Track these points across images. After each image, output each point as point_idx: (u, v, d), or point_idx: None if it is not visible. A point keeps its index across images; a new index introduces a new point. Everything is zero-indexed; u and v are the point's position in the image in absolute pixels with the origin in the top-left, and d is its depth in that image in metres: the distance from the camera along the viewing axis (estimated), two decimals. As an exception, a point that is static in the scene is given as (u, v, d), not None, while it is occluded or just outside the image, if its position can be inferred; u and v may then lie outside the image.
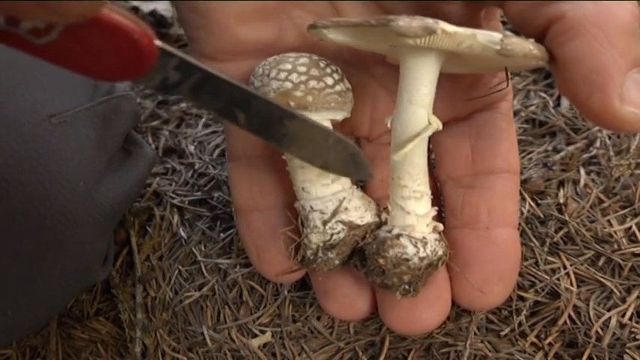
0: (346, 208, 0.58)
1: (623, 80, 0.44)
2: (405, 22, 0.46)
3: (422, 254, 0.54)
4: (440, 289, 0.59)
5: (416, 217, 0.56)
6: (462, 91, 0.60)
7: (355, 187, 0.60)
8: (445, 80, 0.55)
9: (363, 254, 0.57)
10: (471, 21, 0.56)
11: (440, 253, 0.56)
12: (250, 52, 0.60)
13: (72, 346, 0.72)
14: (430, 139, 0.57)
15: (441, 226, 0.58)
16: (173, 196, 0.83)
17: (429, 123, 0.53)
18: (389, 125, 0.55)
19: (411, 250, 0.54)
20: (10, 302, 0.60)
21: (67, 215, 0.58)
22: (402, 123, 0.54)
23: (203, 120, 0.93)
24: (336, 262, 0.58)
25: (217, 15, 0.57)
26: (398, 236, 0.55)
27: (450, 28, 0.47)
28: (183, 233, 0.78)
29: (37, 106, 0.58)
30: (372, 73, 0.62)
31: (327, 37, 0.53)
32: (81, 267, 0.64)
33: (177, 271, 0.74)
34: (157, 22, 1.09)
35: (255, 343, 0.67)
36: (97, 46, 0.39)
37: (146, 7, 1.09)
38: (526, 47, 0.47)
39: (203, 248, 0.76)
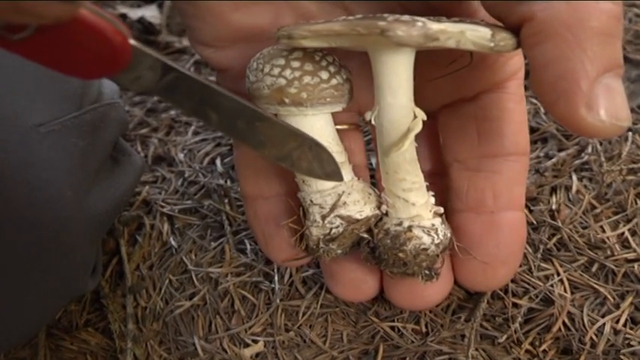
0: (345, 203, 0.58)
1: (591, 87, 0.43)
2: (404, 31, 0.45)
3: (436, 241, 0.56)
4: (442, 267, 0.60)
5: (420, 206, 0.57)
6: (467, 71, 0.59)
7: (357, 178, 0.60)
8: (449, 60, 0.54)
9: (372, 248, 0.58)
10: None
11: (449, 234, 0.58)
12: (248, 38, 0.58)
13: (61, 357, 0.71)
14: (437, 120, 0.61)
15: (441, 209, 0.59)
16: (163, 204, 0.82)
17: (415, 116, 0.53)
18: (373, 121, 0.54)
19: (426, 239, 0.56)
20: (-2, 313, 0.59)
21: (56, 225, 0.58)
22: (389, 120, 0.53)
23: (193, 127, 0.92)
24: (339, 251, 0.59)
25: (209, 3, 0.56)
26: (410, 228, 0.56)
27: (442, 27, 0.46)
28: (173, 242, 0.78)
29: (25, 115, 0.58)
30: None
31: (301, 45, 0.52)
32: (70, 277, 0.64)
33: (167, 281, 0.74)
34: (145, 29, 1.09)
35: (248, 353, 0.66)
36: (71, 44, 0.40)
37: (134, 14, 1.08)
38: (513, 42, 0.48)
39: (194, 257, 0.76)
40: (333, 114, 0.58)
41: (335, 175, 0.56)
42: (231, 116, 0.50)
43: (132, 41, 0.42)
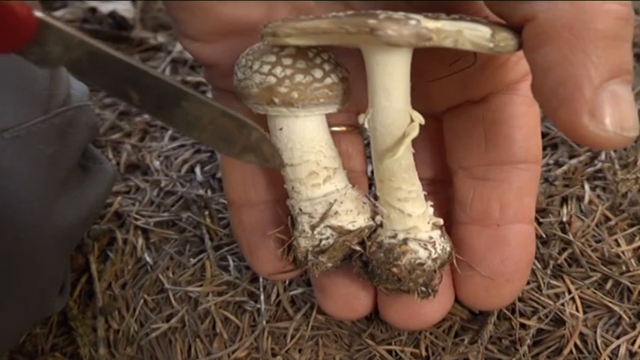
0: (336, 212, 0.56)
1: (595, 94, 0.42)
2: (395, 30, 0.44)
3: (434, 255, 0.55)
4: (440, 285, 0.59)
5: (417, 217, 0.55)
6: (475, 71, 0.57)
7: (350, 186, 0.58)
8: (454, 58, 0.54)
9: (365, 262, 0.57)
10: None
11: (448, 248, 0.57)
12: (238, 32, 0.57)
13: (24, 386, 0.69)
14: (441, 122, 0.60)
15: (440, 221, 0.57)
16: (137, 217, 0.81)
17: (412, 120, 0.52)
18: (366, 125, 0.53)
19: (423, 253, 0.55)
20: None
21: (21, 238, 0.57)
22: (383, 124, 0.52)
23: (169, 132, 0.93)
24: (329, 265, 0.58)
25: None
26: (405, 241, 0.55)
27: (438, 26, 0.44)
28: (148, 258, 0.76)
29: None
30: None
31: (286, 43, 0.51)
32: (35, 296, 0.63)
33: (142, 301, 0.72)
34: (118, 24, 1.09)
35: (231, 380, 0.65)
36: None
37: (105, 8, 1.09)
38: (515, 42, 0.46)
39: (171, 275, 0.74)
40: (330, 115, 0.56)
41: (277, 161, 0.55)
42: (154, 95, 0.48)
43: (38, 13, 0.41)
